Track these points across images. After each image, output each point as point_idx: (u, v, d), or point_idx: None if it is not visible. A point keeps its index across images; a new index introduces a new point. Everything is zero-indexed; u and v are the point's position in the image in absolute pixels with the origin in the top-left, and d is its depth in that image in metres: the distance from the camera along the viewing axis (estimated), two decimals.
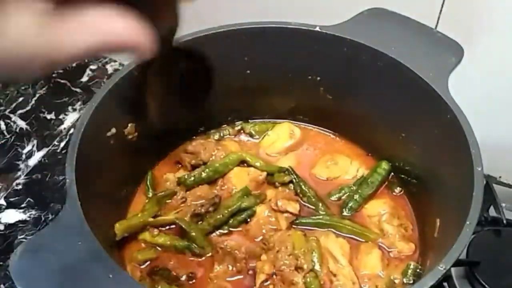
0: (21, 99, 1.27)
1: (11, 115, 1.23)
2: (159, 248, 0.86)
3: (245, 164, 0.94)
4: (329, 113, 1.00)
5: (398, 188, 0.94)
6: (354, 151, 1.00)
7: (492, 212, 0.94)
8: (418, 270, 0.82)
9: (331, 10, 1.00)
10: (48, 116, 1.23)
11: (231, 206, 0.87)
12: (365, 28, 0.89)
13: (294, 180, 0.92)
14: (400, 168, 0.94)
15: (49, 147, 1.17)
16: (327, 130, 1.03)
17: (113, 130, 0.85)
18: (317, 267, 0.81)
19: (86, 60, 1.36)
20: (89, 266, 0.64)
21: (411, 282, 0.81)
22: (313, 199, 0.91)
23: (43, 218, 1.04)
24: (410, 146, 0.90)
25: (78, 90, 1.29)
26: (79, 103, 1.26)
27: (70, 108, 1.25)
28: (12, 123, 1.22)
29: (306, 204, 0.91)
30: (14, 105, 1.25)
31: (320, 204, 0.90)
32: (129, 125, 0.88)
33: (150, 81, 0.46)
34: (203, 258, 0.85)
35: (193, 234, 0.84)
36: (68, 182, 0.71)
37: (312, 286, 0.79)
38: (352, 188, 0.93)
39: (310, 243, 0.83)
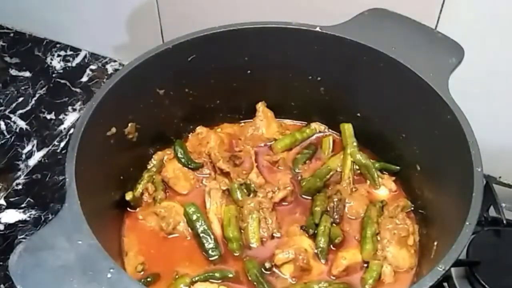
0: (21, 99, 1.27)
1: (11, 115, 1.23)
2: None
3: None
4: (329, 113, 1.00)
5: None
6: None
7: (492, 212, 0.94)
8: None
9: (332, 11, 1.00)
10: (48, 116, 1.23)
11: None
12: (366, 28, 0.89)
13: None
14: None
15: (49, 147, 1.17)
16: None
17: (113, 130, 0.85)
18: None
19: (86, 60, 1.36)
20: (89, 265, 0.64)
21: None
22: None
23: (43, 218, 1.04)
24: (410, 147, 0.90)
25: (78, 90, 1.29)
26: (79, 103, 1.26)
27: (70, 108, 1.25)
28: (12, 123, 1.22)
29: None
30: (14, 105, 1.26)
31: None
32: (129, 124, 0.88)
33: None
34: None
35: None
36: (68, 182, 0.71)
37: None
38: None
39: None
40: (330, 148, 0.99)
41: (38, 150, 1.17)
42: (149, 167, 0.95)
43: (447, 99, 0.79)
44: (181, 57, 0.89)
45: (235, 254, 0.85)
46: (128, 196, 0.89)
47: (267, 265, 0.83)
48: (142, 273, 0.84)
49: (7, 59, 1.36)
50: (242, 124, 1.03)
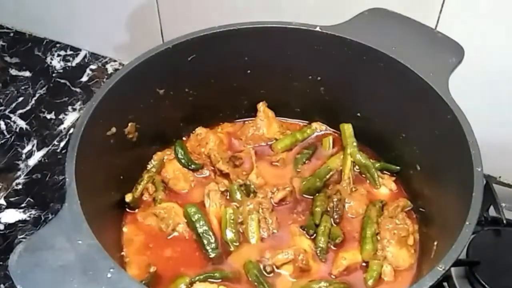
0: (21, 99, 1.27)
1: (11, 115, 1.23)
2: None
3: None
4: (329, 113, 1.00)
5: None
6: None
7: (492, 212, 0.94)
8: None
9: (332, 10, 1.00)
10: (48, 116, 1.23)
11: None
12: (366, 28, 0.89)
13: None
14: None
15: (49, 147, 1.17)
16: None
17: (113, 130, 0.85)
18: None
19: (86, 60, 1.36)
20: (89, 265, 0.64)
21: None
22: None
23: (43, 218, 1.04)
24: (410, 147, 0.90)
25: (78, 90, 1.29)
26: (79, 103, 1.26)
27: (70, 108, 1.25)
28: (12, 123, 1.22)
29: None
30: (14, 105, 1.26)
31: None
32: (129, 124, 0.88)
33: None
34: None
35: None
36: (68, 182, 0.71)
37: None
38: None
39: None
40: (331, 147, 0.99)
41: (38, 150, 1.17)
42: (149, 167, 0.95)
43: (447, 99, 0.79)
44: (181, 57, 0.89)
45: (234, 254, 0.85)
46: (128, 197, 0.89)
47: (268, 268, 0.83)
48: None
49: (7, 59, 1.36)
50: (243, 124, 1.03)
